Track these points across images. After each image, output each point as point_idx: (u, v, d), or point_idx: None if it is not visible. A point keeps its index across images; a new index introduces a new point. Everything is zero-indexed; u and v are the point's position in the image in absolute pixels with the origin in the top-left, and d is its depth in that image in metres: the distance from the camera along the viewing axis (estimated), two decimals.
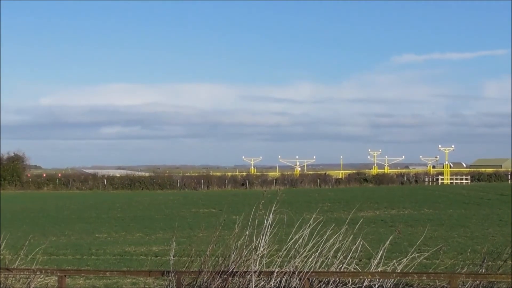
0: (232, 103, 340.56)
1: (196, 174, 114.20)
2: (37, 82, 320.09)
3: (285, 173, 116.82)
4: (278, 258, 12.61)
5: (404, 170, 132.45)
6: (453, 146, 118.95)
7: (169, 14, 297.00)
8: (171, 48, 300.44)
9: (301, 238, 12.67)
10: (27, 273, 13.44)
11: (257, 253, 12.42)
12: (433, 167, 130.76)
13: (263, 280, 12.35)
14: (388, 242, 12.74)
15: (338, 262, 12.69)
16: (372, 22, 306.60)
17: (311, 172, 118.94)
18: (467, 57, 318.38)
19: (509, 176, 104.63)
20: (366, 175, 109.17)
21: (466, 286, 12.30)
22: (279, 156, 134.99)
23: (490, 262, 12.69)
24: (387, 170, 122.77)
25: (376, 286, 12.44)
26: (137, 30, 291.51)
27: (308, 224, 12.90)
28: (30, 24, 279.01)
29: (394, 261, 12.67)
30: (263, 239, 12.54)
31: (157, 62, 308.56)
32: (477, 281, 12.20)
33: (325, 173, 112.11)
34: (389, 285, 12.44)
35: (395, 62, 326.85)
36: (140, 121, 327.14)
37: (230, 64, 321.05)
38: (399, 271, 12.68)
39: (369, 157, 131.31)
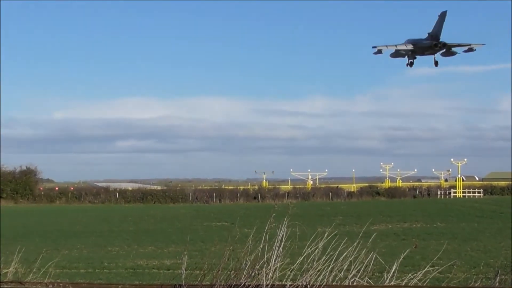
0: (246, 116, 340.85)
1: (208, 188, 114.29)
2: (50, 96, 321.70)
3: (297, 186, 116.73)
4: (290, 271, 12.56)
5: (417, 183, 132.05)
6: (465, 159, 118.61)
7: (183, 29, 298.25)
8: (185, 62, 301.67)
9: (314, 252, 12.61)
10: (40, 287, 13.46)
11: (269, 266, 12.36)
12: (446, 180, 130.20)
13: None
14: (402, 257, 12.67)
15: (351, 276, 12.61)
16: (386, 35, 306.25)
17: (323, 186, 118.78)
18: (481, 70, 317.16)
19: None
20: (378, 188, 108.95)
21: None
22: (291, 170, 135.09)
23: (503, 276, 12.59)
24: (399, 183, 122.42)
25: None
26: (152, 44, 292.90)
27: (321, 238, 12.84)
28: (45, 39, 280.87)
29: (410, 274, 12.59)
30: (276, 252, 12.49)
31: (171, 76, 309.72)
32: None
33: (337, 186, 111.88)
34: None
35: (408, 76, 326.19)
36: (155, 134, 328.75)
37: (244, 77, 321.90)
38: (412, 285, 12.58)
39: (381, 170, 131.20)
